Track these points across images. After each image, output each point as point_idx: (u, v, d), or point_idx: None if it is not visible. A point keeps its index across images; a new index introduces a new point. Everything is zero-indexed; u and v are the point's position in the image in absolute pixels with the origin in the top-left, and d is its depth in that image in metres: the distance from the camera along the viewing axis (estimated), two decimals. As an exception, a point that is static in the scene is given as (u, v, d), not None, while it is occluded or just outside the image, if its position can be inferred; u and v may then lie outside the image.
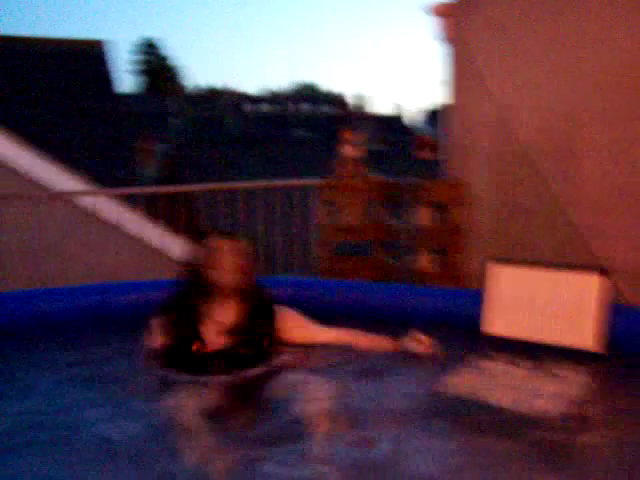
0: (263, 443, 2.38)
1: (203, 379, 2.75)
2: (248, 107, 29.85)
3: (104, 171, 12.51)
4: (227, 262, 2.81)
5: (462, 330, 3.42)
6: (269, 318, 2.89)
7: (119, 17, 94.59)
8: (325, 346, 2.98)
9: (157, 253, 5.69)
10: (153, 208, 5.37)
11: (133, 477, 2.20)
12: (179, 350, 2.82)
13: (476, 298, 3.42)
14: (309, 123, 26.47)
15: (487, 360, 3.11)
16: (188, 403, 2.53)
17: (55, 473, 2.23)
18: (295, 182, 5.18)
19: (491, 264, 3.41)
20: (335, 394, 2.60)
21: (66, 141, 13.09)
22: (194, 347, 2.79)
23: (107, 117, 13.74)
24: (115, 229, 5.34)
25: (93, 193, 5.81)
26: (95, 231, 5.41)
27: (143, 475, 2.21)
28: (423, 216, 4.62)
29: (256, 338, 2.84)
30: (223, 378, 2.76)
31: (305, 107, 32.01)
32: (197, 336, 2.81)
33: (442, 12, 4.73)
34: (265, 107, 30.53)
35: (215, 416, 2.53)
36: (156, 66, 40.83)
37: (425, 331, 2.95)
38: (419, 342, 2.89)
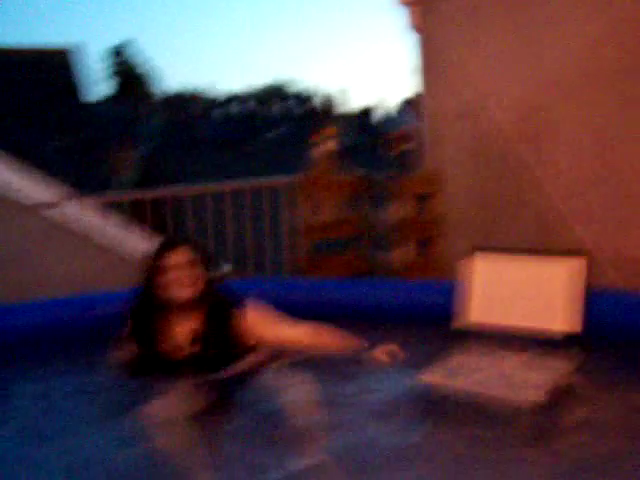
0: (239, 439, 2.40)
1: (177, 384, 2.73)
2: (217, 111, 29.81)
3: (76, 179, 12.40)
4: (174, 278, 2.76)
5: (442, 323, 3.40)
6: (227, 318, 2.84)
7: (90, 22, 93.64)
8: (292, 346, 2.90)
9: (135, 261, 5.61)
10: (137, 214, 5.31)
11: None
12: (148, 361, 2.80)
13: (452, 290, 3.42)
14: (279, 123, 26.47)
15: (469, 352, 3.11)
16: (167, 406, 2.54)
17: None
18: (264, 182, 5.15)
19: (469, 253, 3.43)
20: (310, 390, 2.61)
21: (35, 150, 12.94)
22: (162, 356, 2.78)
23: (73, 125, 13.60)
24: (89, 238, 5.27)
25: (67, 201, 5.73)
26: (69, 240, 5.33)
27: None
28: (404, 208, 4.61)
29: (219, 340, 2.81)
30: (196, 381, 2.74)
31: (275, 108, 32.02)
32: (162, 347, 2.80)
33: (409, 1, 4.73)
34: (234, 109, 30.46)
35: (193, 416, 2.53)
36: (127, 70, 40.54)
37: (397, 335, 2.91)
38: (390, 354, 2.77)
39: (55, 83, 14.35)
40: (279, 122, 26.58)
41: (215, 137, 24.38)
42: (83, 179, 12.38)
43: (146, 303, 2.83)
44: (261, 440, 2.40)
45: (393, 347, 2.76)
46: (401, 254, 4.64)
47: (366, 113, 29.95)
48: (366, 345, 2.78)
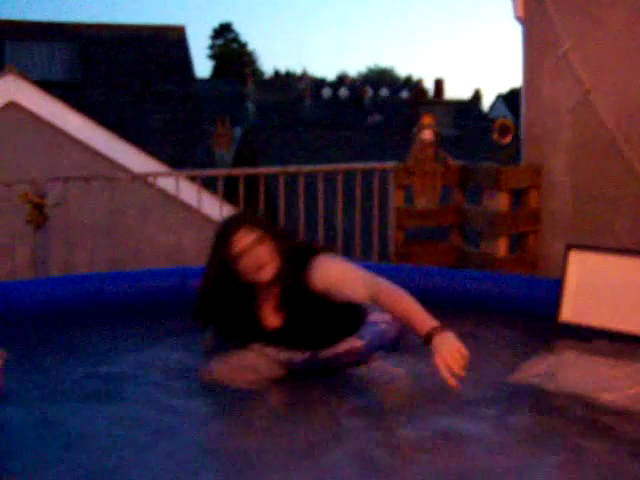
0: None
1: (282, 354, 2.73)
2: (326, 92, 29.85)
3: (182, 153, 12.79)
4: (249, 264, 2.60)
5: (540, 319, 3.33)
6: (301, 285, 2.63)
7: (196, 2, 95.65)
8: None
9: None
10: (232, 190, 5.43)
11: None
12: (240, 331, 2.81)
13: (554, 286, 3.33)
14: (385, 108, 26.28)
15: (566, 350, 3.04)
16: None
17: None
18: (376, 165, 5.10)
19: (570, 250, 3.32)
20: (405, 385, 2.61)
21: (146, 125, 13.41)
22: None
23: (186, 101, 14.00)
24: (193, 211, 5.43)
25: (171, 175, 5.93)
26: (173, 213, 5.51)
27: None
28: (501, 201, 4.54)
29: (303, 313, 2.69)
30: (296, 356, 2.73)
31: (382, 92, 31.80)
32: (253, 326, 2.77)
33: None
34: (342, 92, 30.44)
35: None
36: (232, 50, 41.25)
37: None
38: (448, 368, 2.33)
39: (172, 59, 14.80)
40: (384, 107, 26.40)
41: (321, 119, 24.51)
42: (185, 154, 12.78)
43: (230, 287, 2.70)
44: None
45: (455, 358, 2.32)
46: (494, 247, 4.57)
47: (476, 100, 29.32)
48: (437, 326, 2.39)
